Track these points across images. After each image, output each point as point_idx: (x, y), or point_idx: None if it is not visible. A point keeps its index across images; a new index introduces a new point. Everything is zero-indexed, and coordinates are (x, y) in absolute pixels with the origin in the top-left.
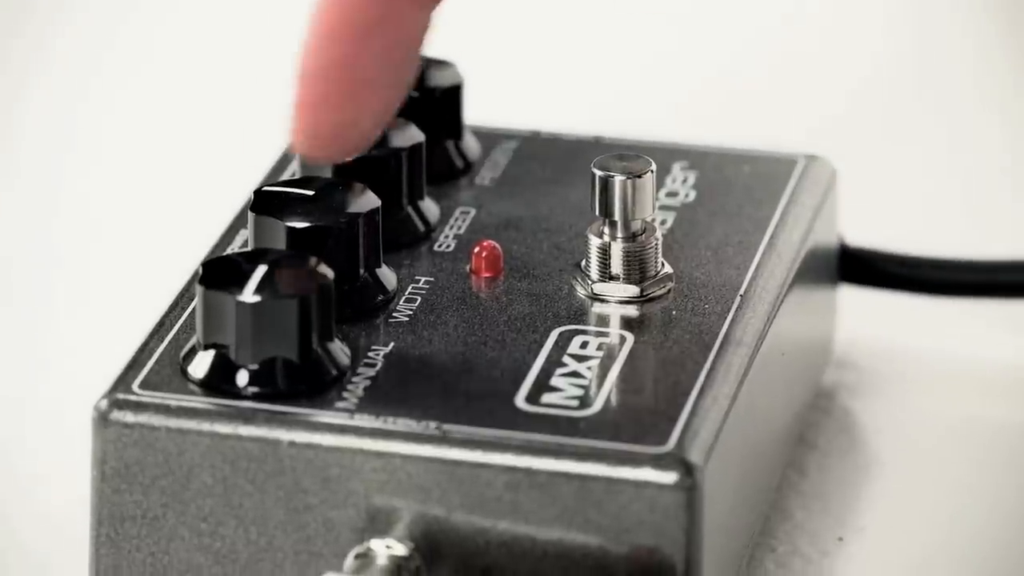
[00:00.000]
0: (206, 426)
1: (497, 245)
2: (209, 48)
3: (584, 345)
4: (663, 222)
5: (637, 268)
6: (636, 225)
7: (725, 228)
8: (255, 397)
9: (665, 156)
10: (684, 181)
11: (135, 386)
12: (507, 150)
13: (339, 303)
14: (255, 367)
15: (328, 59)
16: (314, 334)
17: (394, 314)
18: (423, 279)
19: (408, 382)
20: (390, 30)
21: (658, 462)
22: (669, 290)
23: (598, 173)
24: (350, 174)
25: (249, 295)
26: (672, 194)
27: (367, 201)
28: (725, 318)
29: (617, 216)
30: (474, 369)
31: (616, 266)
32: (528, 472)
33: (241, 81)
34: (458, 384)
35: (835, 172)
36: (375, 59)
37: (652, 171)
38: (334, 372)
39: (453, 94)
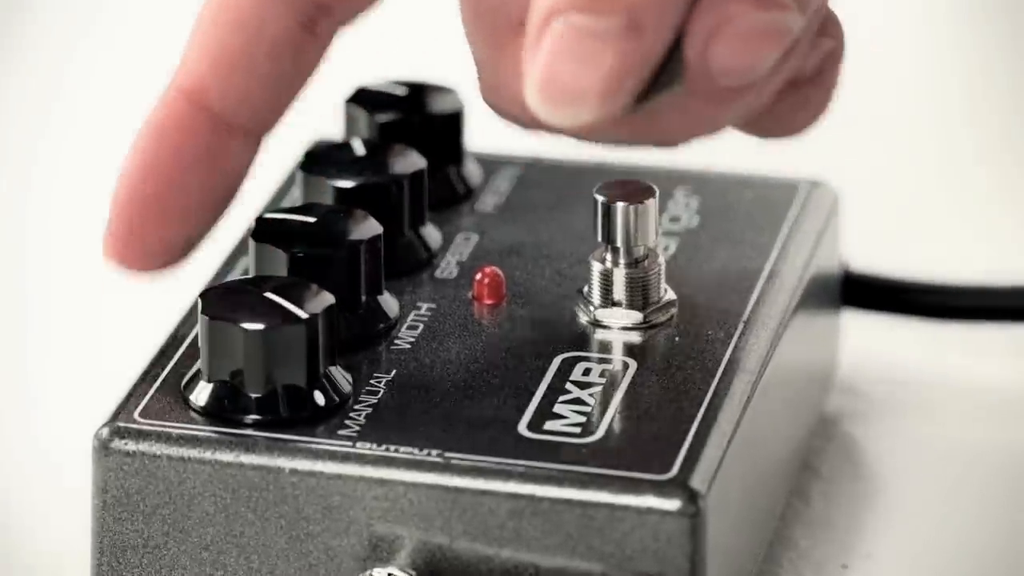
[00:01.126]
0: (208, 454)
1: (499, 271)
2: None
3: (587, 372)
4: (666, 248)
5: (640, 294)
6: (639, 251)
7: (728, 254)
8: (257, 425)
9: (667, 181)
10: (687, 206)
11: (136, 414)
12: (509, 176)
13: (341, 330)
14: (257, 395)
15: (142, 191)
16: (320, 360)
17: (396, 341)
18: (425, 306)
19: (410, 410)
20: (209, 165)
21: (661, 489)
22: (672, 316)
23: (600, 199)
24: (352, 200)
25: (252, 323)
26: (675, 219)
27: (369, 228)
28: (728, 344)
29: (620, 242)
30: (476, 396)
31: (619, 292)
32: (531, 499)
33: None
34: (460, 411)
35: (837, 198)
36: (190, 192)
37: (655, 197)
38: (336, 400)
39: (454, 120)
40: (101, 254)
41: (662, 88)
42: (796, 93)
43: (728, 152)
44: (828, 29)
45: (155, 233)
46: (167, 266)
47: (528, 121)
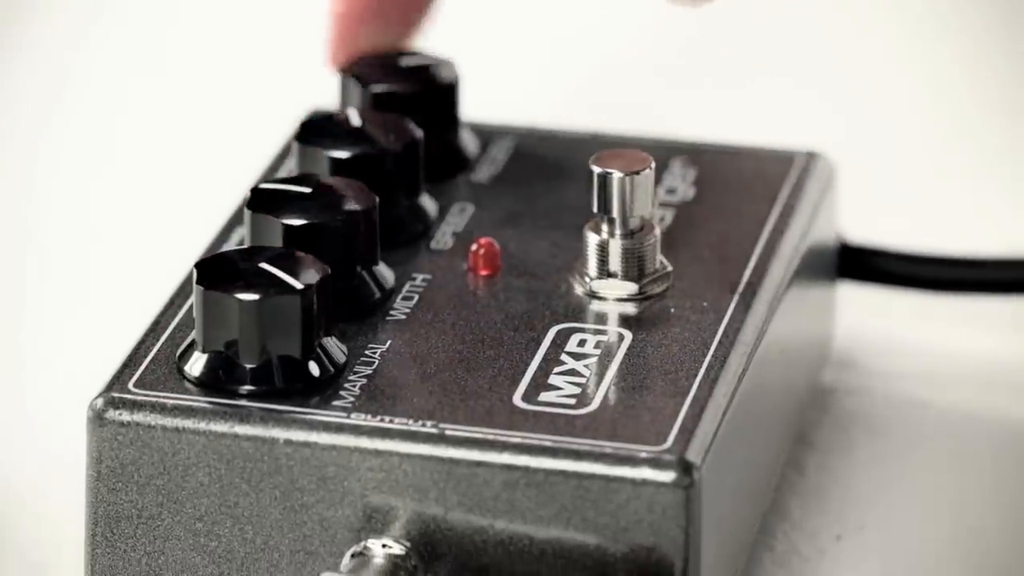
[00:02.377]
0: (202, 425)
1: (495, 242)
2: (205, 44)
3: (582, 343)
4: (662, 219)
5: (635, 265)
6: (634, 222)
7: (724, 225)
8: (251, 395)
9: (664, 152)
10: (683, 178)
11: (131, 385)
12: (505, 146)
13: (336, 301)
14: (251, 366)
15: None
16: (315, 331)
17: (391, 312)
18: (420, 277)
19: (405, 380)
20: None
21: (656, 461)
22: (668, 288)
23: (596, 170)
24: (347, 171)
25: (247, 293)
26: (671, 191)
27: (364, 198)
28: (724, 316)
29: (615, 213)
30: (472, 367)
31: (614, 263)
32: (525, 471)
33: (237, 77)
34: (455, 382)
35: (834, 169)
36: None
37: (651, 168)
38: (331, 370)
39: (450, 91)
40: (324, 62)
41: None
42: None
43: (725, 123)
44: None
45: (371, 37)
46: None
47: None
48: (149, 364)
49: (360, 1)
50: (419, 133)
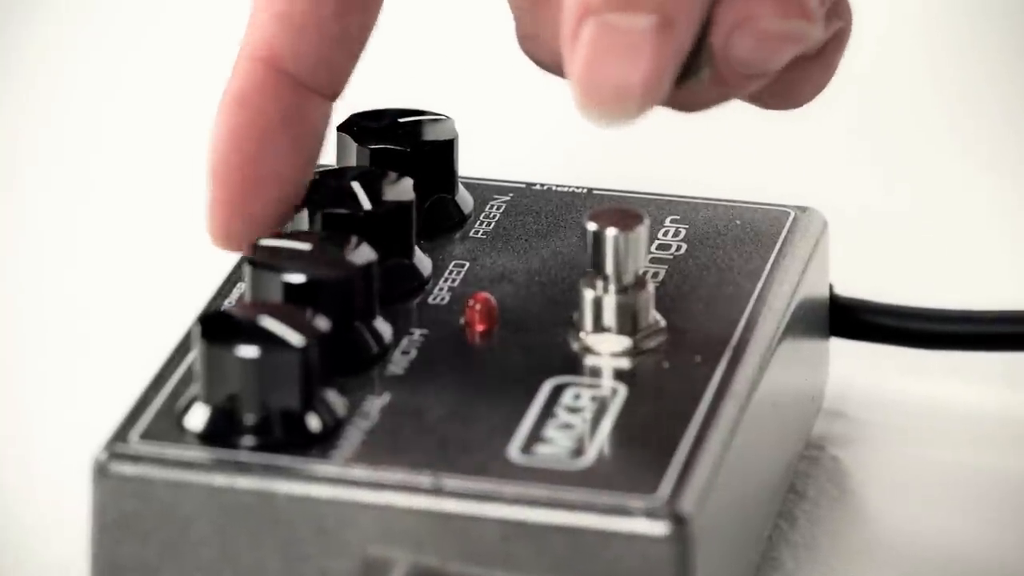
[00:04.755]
0: (203, 478)
1: (491, 298)
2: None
3: (577, 397)
4: (655, 274)
5: (629, 320)
6: (628, 278)
7: (716, 280)
8: (252, 449)
9: (657, 209)
10: (675, 234)
11: (134, 438)
12: (500, 203)
13: (335, 356)
14: (253, 419)
15: (237, 158)
16: (315, 385)
17: (389, 366)
18: (418, 332)
19: (403, 434)
20: (294, 126)
21: (650, 513)
22: (661, 342)
23: (591, 227)
24: (346, 228)
25: (248, 349)
26: (664, 247)
27: (363, 255)
28: (717, 369)
29: (609, 269)
30: (468, 421)
31: (609, 318)
32: (521, 524)
33: None
34: (452, 436)
35: (826, 223)
36: (281, 154)
37: (644, 224)
38: (331, 424)
39: (447, 148)
40: (206, 230)
41: (691, 75)
42: (798, 68)
43: (717, 179)
44: (838, 8)
45: (254, 199)
46: (265, 233)
47: (563, 70)
48: (152, 417)
49: (241, 156)
50: (411, 193)
